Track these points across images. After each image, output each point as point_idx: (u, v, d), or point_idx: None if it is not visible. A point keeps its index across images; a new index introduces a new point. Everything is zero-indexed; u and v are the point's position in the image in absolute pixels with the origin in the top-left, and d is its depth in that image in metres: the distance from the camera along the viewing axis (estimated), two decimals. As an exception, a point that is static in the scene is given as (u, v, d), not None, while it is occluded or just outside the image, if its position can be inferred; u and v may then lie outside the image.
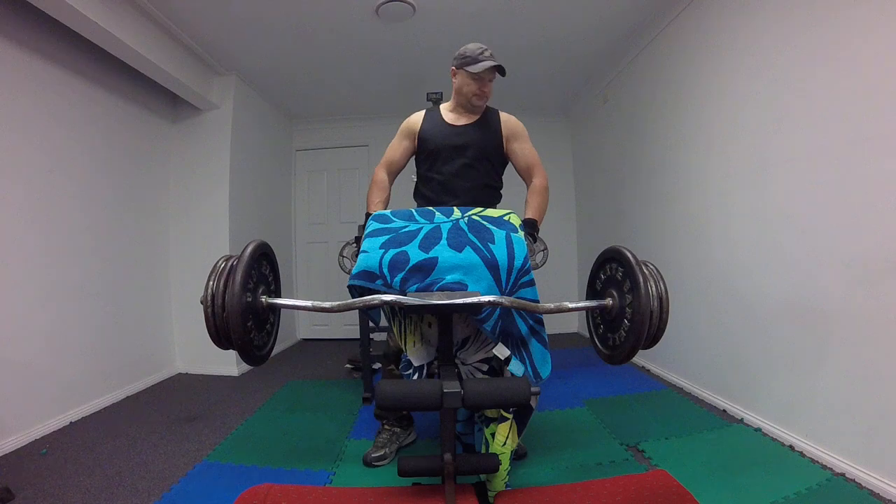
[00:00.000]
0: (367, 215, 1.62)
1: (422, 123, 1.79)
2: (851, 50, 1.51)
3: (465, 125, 1.75)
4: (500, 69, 1.65)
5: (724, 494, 1.41)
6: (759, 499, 1.38)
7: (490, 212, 1.40)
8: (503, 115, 1.80)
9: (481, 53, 1.65)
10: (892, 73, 1.38)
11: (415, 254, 1.22)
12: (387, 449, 1.72)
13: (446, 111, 1.80)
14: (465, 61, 1.67)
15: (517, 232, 1.32)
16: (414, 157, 1.85)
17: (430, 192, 1.77)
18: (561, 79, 3.65)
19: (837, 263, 1.57)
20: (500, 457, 1.16)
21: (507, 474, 1.23)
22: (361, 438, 1.95)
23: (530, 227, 1.62)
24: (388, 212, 1.39)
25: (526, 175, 1.79)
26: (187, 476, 1.64)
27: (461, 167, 1.72)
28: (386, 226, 1.32)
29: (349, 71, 3.31)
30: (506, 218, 1.37)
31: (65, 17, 2.00)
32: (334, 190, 4.37)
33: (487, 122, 1.77)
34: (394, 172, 1.82)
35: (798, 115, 1.73)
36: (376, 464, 1.68)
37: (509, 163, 1.84)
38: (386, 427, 1.79)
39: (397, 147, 1.82)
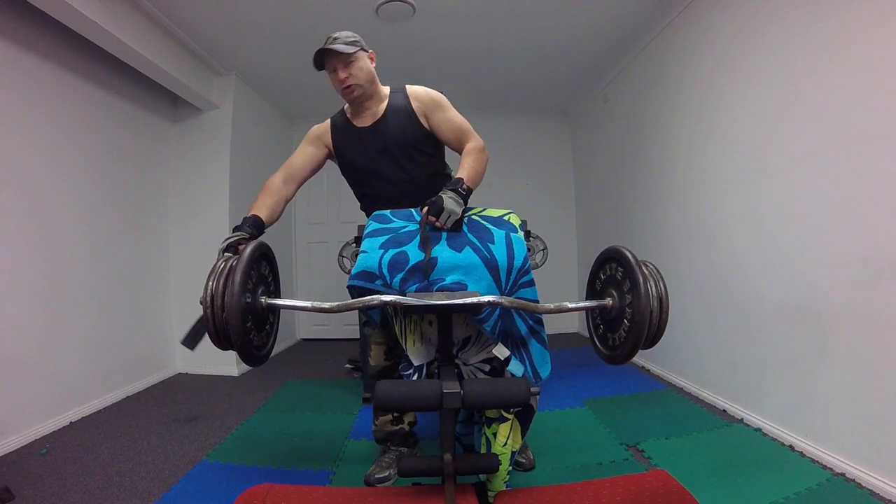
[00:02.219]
0: (244, 218, 1.41)
1: (331, 134, 1.58)
2: (851, 50, 1.51)
3: (375, 123, 1.54)
4: (317, 58, 1.45)
5: (724, 494, 1.41)
6: (759, 499, 1.38)
7: (490, 211, 1.39)
8: (411, 91, 1.55)
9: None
10: (891, 73, 1.38)
11: (414, 254, 1.21)
12: (391, 470, 1.59)
13: (350, 114, 1.60)
14: None
15: (517, 232, 1.31)
16: (341, 172, 1.67)
17: (372, 209, 1.56)
18: (561, 79, 3.65)
19: (837, 263, 1.57)
20: (500, 457, 1.16)
21: (508, 475, 1.23)
22: (361, 439, 1.95)
23: (454, 184, 1.32)
24: (387, 212, 1.39)
25: (458, 146, 1.52)
26: (187, 476, 1.64)
27: (392, 172, 1.54)
28: (385, 226, 1.32)
29: (349, 71, 3.31)
30: (506, 218, 1.37)
31: (65, 17, 2.00)
32: (334, 190, 4.37)
33: (397, 110, 1.54)
34: (292, 179, 1.57)
35: (798, 115, 1.73)
36: (378, 485, 1.53)
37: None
38: (391, 447, 1.67)
39: (300, 153, 1.59)
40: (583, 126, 4.13)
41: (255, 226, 1.38)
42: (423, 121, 1.54)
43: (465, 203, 1.32)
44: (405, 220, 1.33)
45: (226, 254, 1.22)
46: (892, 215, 1.39)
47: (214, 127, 3.21)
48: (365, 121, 1.56)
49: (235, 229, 1.35)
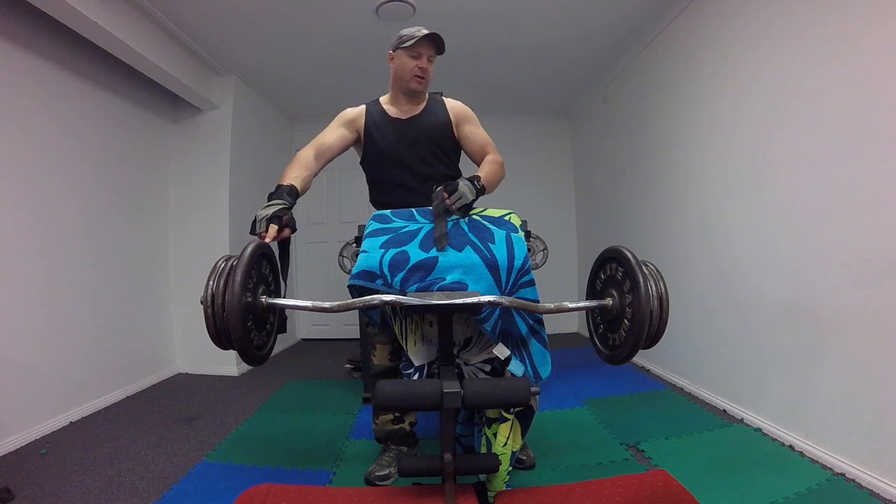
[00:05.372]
0: (278, 186, 1.36)
1: (365, 119, 1.62)
2: (851, 50, 1.51)
3: (412, 118, 1.62)
4: (438, 41, 1.53)
5: (724, 494, 1.41)
6: (759, 499, 1.38)
7: (491, 211, 1.40)
8: (448, 101, 1.68)
9: (418, 30, 1.52)
10: (891, 73, 1.38)
11: (415, 253, 1.22)
12: (391, 468, 1.60)
13: (387, 105, 1.65)
14: (401, 40, 1.55)
15: (517, 232, 1.32)
16: (360, 160, 1.71)
17: (387, 198, 1.63)
18: (561, 79, 3.65)
19: (837, 263, 1.57)
20: (500, 457, 1.16)
21: (508, 475, 1.23)
22: (361, 438, 1.95)
23: (472, 177, 1.37)
24: (388, 212, 1.39)
25: (479, 158, 1.64)
26: (187, 476, 1.64)
27: (417, 165, 1.60)
28: (386, 226, 1.32)
29: (349, 71, 3.31)
30: (506, 218, 1.37)
31: (65, 17, 2.00)
32: (334, 190, 4.37)
33: (434, 110, 1.64)
34: (322, 156, 1.57)
35: (798, 115, 1.73)
36: (379, 483, 1.55)
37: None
38: (392, 447, 1.68)
39: (332, 132, 1.61)
40: (583, 126, 4.13)
41: (292, 195, 1.35)
42: (454, 128, 1.65)
43: (477, 197, 1.35)
44: (406, 220, 1.34)
45: (270, 225, 1.23)
46: (892, 215, 1.39)
47: (214, 127, 3.21)
48: (402, 113, 1.63)
49: (271, 197, 1.32)
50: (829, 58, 1.59)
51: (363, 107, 1.67)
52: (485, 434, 1.29)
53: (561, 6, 2.55)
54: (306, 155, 1.52)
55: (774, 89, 1.83)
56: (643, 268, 1.10)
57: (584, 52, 3.14)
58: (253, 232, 1.26)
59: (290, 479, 1.60)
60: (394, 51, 1.59)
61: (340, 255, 2.79)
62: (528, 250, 1.36)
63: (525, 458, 1.65)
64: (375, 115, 1.64)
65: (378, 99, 1.69)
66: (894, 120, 1.37)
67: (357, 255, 1.31)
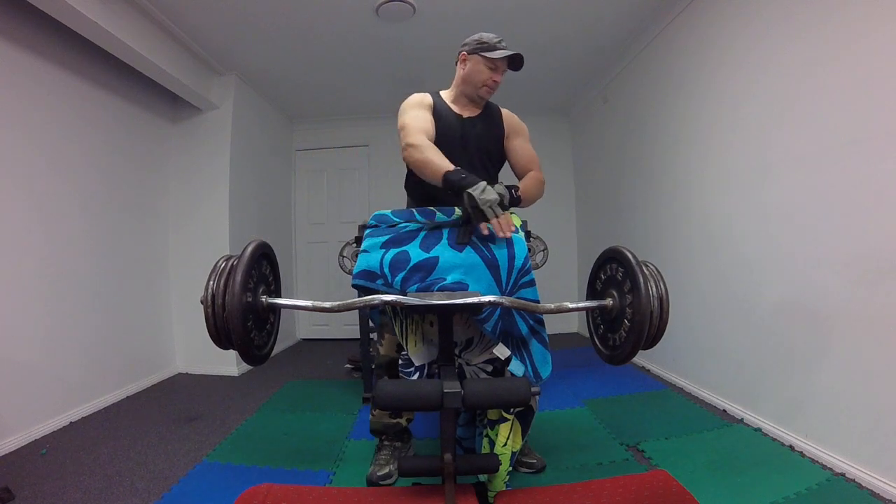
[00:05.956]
0: (455, 171, 1.26)
1: (434, 106, 1.60)
2: (851, 50, 1.51)
3: (470, 118, 1.64)
4: (518, 61, 1.54)
5: (724, 494, 1.41)
6: (759, 499, 1.38)
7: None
8: (504, 111, 1.72)
9: (499, 42, 1.55)
10: (891, 73, 1.38)
11: (415, 253, 1.22)
12: (391, 466, 1.59)
13: (449, 101, 1.66)
14: (482, 46, 1.54)
15: (517, 232, 1.32)
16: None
17: (425, 188, 1.56)
18: (561, 79, 3.65)
19: (837, 263, 1.57)
20: (500, 457, 1.16)
21: (508, 475, 1.23)
22: (361, 439, 1.95)
23: (511, 186, 1.37)
24: (388, 211, 1.39)
25: (522, 172, 1.65)
26: (187, 476, 1.64)
27: (465, 164, 1.51)
28: (386, 225, 1.32)
29: (349, 71, 3.31)
30: (506, 218, 1.37)
31: (65, 17, 2.00)
32: (334, 190, 4.37)
33: (490, 117, 1.67)
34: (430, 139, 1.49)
35: (798, 115, 1.73)
36: (382, 483, 1.53)
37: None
38: (386, 443, 1.67)
39: (423, 116, 1.52)
40: (583, 126, 4.13)
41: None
42: (505, 139, 1.68)
43: (509, 206, 1.31)
44: (406, 220, 1.34)
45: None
46: (892, 215, 1.39)
47: (214, 127, 3.21)
48: (462, 111, 1.64)
49: (462, 180, 1.23)
50: (829, 58, 1.59)
51: (428, 94, 1.64)
52: (486, 435, 1.29)
53: (560, 6, 2.55)
54: (425, 139, 1.43)
55: (774, 89, 1.83)
56: (643, 268, 1.10)
57: (584, 52, 3.14)
58: (483, 219, 1.20)
59: (290, 479, 1.60)
60: (469, 53, 1.57)
61: (340, 255, 2.78)
62: (528, 250, 1.36)
63: (534, 460, 1.62)
64: (440, 107, 1.62)
65: (439, 91, 1.68)
66: (894, 120, 1.37)
67: (357, 255, 1.31)
